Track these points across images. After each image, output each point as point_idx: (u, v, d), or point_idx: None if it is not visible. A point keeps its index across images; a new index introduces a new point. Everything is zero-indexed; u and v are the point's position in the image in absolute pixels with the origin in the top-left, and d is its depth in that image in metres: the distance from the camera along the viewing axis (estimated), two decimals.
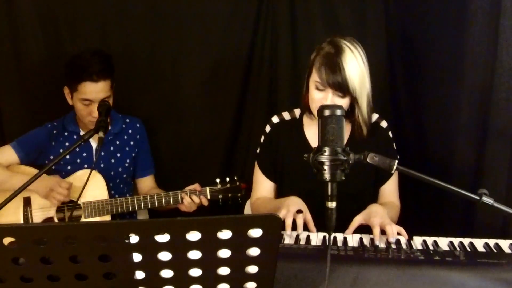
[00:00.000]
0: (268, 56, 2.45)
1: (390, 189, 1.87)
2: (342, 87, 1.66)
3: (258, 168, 1.96)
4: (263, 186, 1.95)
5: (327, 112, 1.16)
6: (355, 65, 1.68)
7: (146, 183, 2.39)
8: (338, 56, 1.67)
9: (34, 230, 0.88)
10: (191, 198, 2.13)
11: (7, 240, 0.85)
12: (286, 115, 1.93)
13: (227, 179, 2.19)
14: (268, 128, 1.94)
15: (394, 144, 1.89)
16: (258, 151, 1.98)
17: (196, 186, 2.16)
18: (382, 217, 1.57)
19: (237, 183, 2.18)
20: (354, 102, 1.72)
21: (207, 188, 2.16)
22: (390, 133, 1.89)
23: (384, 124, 1.88)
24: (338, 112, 1.16)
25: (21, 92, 2.51)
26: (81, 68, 2.04)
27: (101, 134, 1.90)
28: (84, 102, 2.08)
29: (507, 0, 1.71)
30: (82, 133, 2.22)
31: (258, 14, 2.42)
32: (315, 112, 1.74)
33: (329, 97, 1.69)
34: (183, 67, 2.51)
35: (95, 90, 2.05)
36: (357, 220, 1.59)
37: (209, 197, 2.16)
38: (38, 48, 2.49)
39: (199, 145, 2.58)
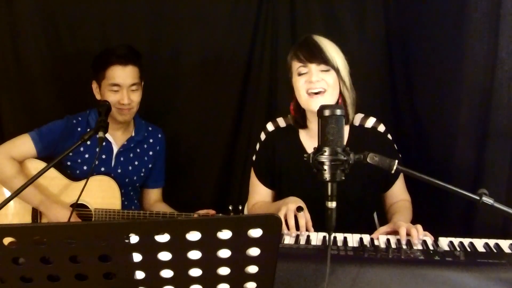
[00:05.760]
0: (268, 56, 2.45)
1: (398, 188, 1.88)
2: (323, 58, 1.68)
3: (254, 175, 1.97)
4: (259, 192, 1.95)
5: (327, 112, 1.16)
6: (329, 42, 1.73)
7: (153, 195, 2.35)
8: (311, 38, 1.74)
9: (34, 230, 0.88)
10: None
11: (7, 240, 0.85)
12: (281, 122, 1.93)
13: (240, 207, 2.15)
14: (263, 136, 1.94)
15: (394, 145, 1.89)
16: (254, 158, 1.99)
17: (210, 211, 2.08)
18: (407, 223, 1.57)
19: None
20: (338, 77, 1.73)
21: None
22: (389, 136, 1.88)
23: (381, 128, 1.86)
24: (338, 112, 1.16)
25: (21, 92, 2.52)
26: (109, 52, 2.07)
27: (101, 134, 1.90)
28: (113, 88, 2.06)
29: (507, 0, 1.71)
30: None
31: (258, 14, 2.43)
32: (305, 103, 1.74)
33: (314, 74, 1.69)
34: (183, 67, 2.51)
35: (124, 75, 2.05)
36: (383, 230, 1.58)
37: None
38: (38, 48, 2.49)
39: (199, 145, 2.58)
